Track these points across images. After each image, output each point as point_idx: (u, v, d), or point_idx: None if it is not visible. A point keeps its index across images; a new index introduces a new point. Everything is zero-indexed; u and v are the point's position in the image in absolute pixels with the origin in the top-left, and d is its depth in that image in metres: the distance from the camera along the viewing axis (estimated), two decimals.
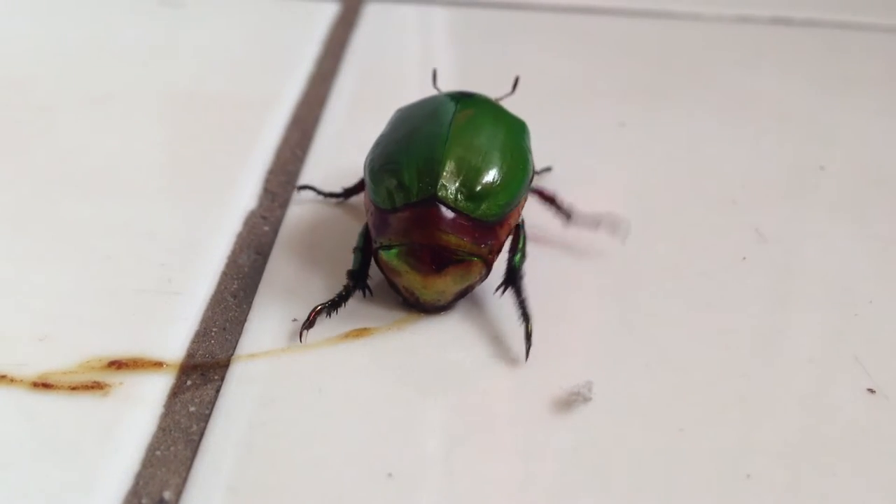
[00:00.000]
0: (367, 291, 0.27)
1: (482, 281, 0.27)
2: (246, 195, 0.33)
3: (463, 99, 0.30)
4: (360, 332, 0.27)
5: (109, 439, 0.23)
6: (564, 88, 0.41)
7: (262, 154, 0.35)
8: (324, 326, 0.27)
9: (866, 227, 0.32)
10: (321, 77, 0.41)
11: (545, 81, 0.41)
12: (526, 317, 0.26)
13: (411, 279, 0.26)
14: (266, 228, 0.31)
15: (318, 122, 0.37)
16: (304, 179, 0.33)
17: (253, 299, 0.28)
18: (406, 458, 0.23)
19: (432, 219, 0.26)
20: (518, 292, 0.27)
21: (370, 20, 0.47)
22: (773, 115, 0.39)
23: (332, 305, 0.27)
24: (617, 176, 0.35)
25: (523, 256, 0.27)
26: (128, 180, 0.34)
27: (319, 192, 0.32)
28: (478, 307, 0.28)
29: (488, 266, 0.26)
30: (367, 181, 0.27)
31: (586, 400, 0.24)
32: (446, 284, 0.26)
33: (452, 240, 0.26)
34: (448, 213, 0.26)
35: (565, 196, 0.31)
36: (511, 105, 0.31)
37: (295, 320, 0.27)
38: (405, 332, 0.27)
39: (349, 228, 0.30)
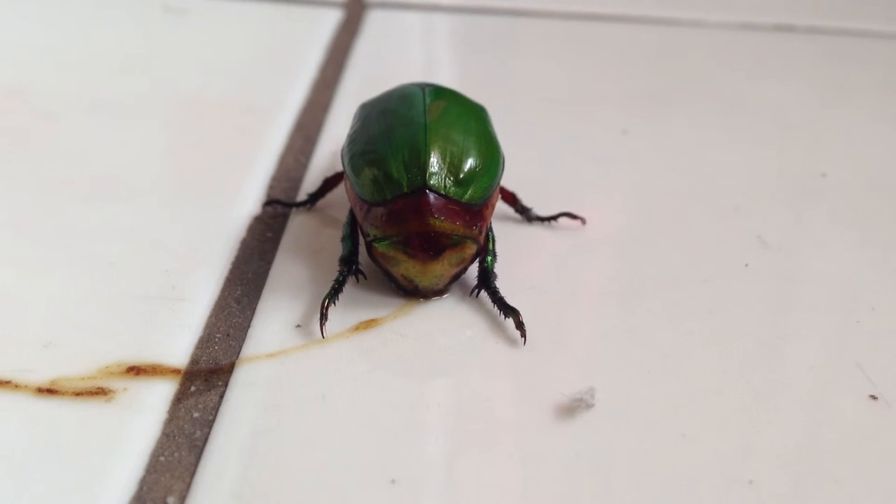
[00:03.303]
0: (359, 276, 0.28)
1: (474, 261, 0.28)
2: (249, 201, 0.33)
3: (427, 89, 0.31)
4: (368, 324, 0.27)
5: (113, 445, 0.24)
6: (567, 95, 0.41)
7: (266, 160, 0.35)
8: (333, 321, 0.27)
9: (868, 234, 0.32)
10: (324, 83, 0.41)
11: (548, 88, 0.42)
12: (509, 310, 0.27)
13: (410, 267, 0.27)
14: (269, 235, 0.31)
15: (322, 129, 0.37)
16: (307, 186, 0.34)
17: (256, 305, 0.28)
18: (409, 464, 0.23)
19: (425, 207, 0.26)
20: (493, 292, 0.27)
21: (373, 27, 0.47)
22: (776, 122, 0.39)
23: (334, 293, 0.27)
24: (619, 183, 0.35)
25: (494, 258, 0.28)
26: (131, 186, 0.34)
27: (286, 205, 0.32)
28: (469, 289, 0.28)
29: (479, 246, 0.27)
30: (352, 177, 0.28)
31: (589, 406, 0.25)
32: (444, 268, 0.27)
33: (447, 225, 0.26)
34: (439, 201, 0.27)
35: (569, 201, 0.31)
36: (514, 112, 0.31)
37: (299, 326, 0.27)
38: (407, 324, 0.27)
39: None
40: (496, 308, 0.27)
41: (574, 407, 0.25)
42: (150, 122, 0.38)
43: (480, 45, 0.46)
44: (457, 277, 0.28)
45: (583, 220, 0.31)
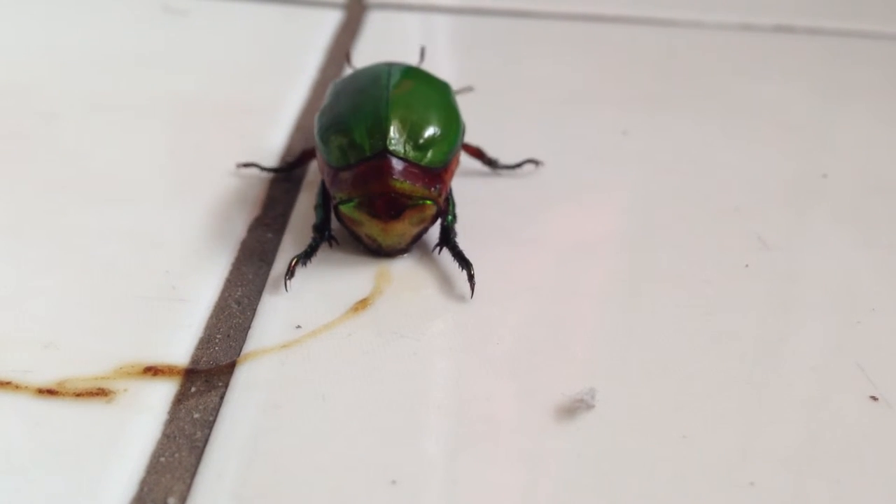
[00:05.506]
0: (332, 242, 0.30)
1: (434, 222, 0.29)
2: (250, 202, 0.33)
3: (393, 66, 0.32)
4: (361, 305, 0.28)
5: (114, 446, 0.24)
6: (567, 96, 0.41)
7: (266, 161, 0.35)
8: (325, 311, 0.28)
9: (869, 235, 0.32)
10: (324, 84, 0.41)
11: (548, 89, 0.42)
12: (466, 264, 0.28)
13: (372, 227, 0.28)
14: (270, 235, 0.31)
15: None
16: (308, 186, 0.34)
17: (257, 306, 0.28)
18: (410, 465, 0.23)
19: (386, 170, 0.28)
20: (453, 247, 0.29)
21: (373, 28, 0.47)
22: (776, 123, 0.39)
23: (306, 255, 0.29)
24: (620, 183, 0.35)
25: (454, 218, 0.30)
26: (131, 187, 0.34)
27: (262, 168, 0.34)
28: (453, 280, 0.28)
29: (439, 208, 0.29)
30: (320, 145, 0.30)
31: (589, 407, 0.25)
32: (405, 228, 0.29)
33: (406, 186, 0.28)
34: (399, 164, 0.28)
35: (569, 201, 0.31)
36: (515, 112, 0.31)
37: (299, 327, 0.27)
38: (406, 322, 0.27)
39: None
40: (455, 260, 0.29)
41: (574, 407, 0.25)
42: (151, 123, 0.38)
43: (481, 46, 0.46)
44: (419, 237, 0.29)
45: (538, 163, 0.34)
